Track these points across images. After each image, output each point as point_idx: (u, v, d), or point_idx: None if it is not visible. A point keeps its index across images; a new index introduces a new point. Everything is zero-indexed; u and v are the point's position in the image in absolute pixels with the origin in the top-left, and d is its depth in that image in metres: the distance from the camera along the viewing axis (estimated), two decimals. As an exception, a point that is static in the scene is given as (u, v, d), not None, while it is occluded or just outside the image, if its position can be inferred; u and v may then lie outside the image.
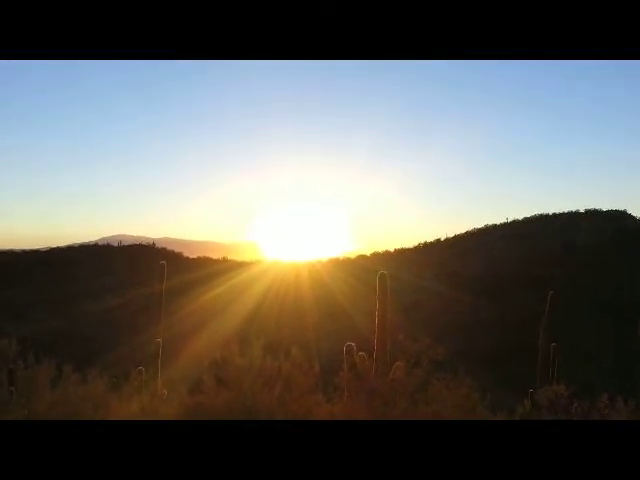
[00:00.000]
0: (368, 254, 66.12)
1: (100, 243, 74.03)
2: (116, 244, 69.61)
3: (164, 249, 67.07)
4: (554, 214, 68.96)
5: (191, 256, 65.35)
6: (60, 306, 49.30)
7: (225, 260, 64.09)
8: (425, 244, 67.83)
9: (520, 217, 69.71)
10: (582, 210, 68.63)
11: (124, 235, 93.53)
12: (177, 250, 67.38)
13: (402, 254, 65.01)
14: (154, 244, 70.17)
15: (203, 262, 61.57)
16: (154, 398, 8.19)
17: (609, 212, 67.74)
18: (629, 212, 67.67)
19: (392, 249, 67.76)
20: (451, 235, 69.21)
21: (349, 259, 63.68)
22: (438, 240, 68.38)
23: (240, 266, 58.69)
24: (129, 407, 7.72)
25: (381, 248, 68.74)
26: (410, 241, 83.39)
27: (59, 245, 71.39)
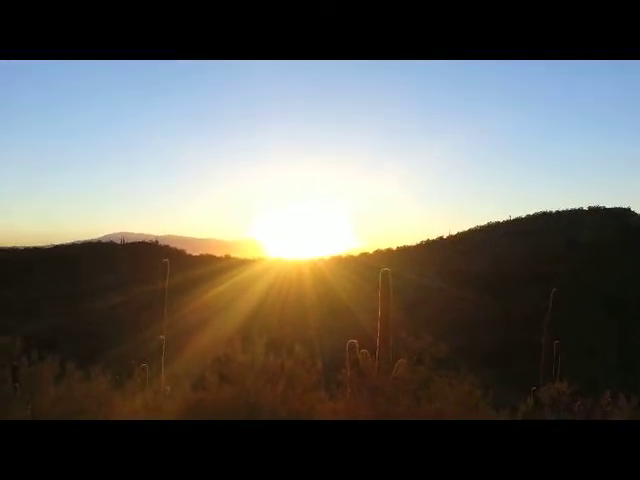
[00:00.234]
0: (371, 252, 66.25)
1: (103, 240, 74.29)
2: (119, 241, 69.82)
3: (167, 246, 67.27)
4: (557, 211, 68.95)
5: (194, 253, 65.52)
6: (63, 303, 49.50)
7: (228, 258, 64.22)
8: (428, 242, 67.87)
9: (523, 215, 69.70)
10: (586, 207, 68.61)
11: (127, 232, 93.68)
12: (180, 247, 67.57)
13: (405, 252, 65.03)
14: (157, 241, 70.35)
15: (206, 260, 61.72)
16: (157, 395, 8.22)
17: (612, 209, 67.61)
18: (632, 209, 67.63)
19: (395, 247, 67.85)
20: (454, 233, 69.26)
21: (352, 257, 63.74)
22: (441, 238, 68.41)
23: (243, 264, 58.83)
24: (132, 404, 7.75)
25: (384, 246, 68.87)
26: (413, 239, 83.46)
27: (62, 242, 71.65)
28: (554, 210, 69.31)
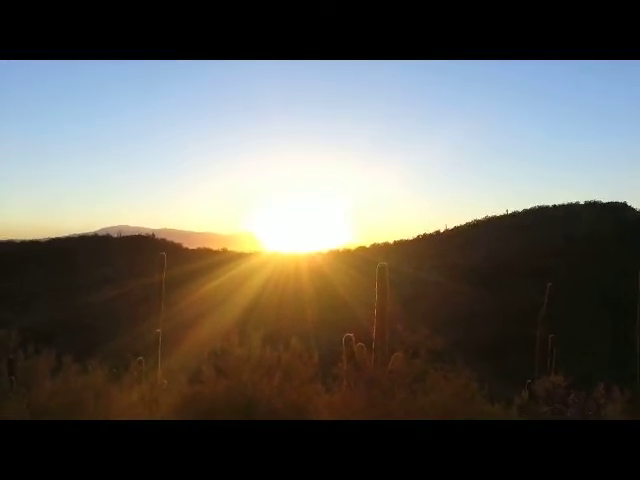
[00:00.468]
0: (367, 246, 66.26)
1: (99, 234, 74.05)
2: (115, 235, 69.65)
3: (164, 240, 67.21)
4: (554, 206, 69.08)
5: (190, 247, 65.46)
6: (59, 296, 49.43)
7: (225, 251, 64.18)
8: (425, 236, 67.93)
9: (520, 209, 69.79)
10: (582, 202, 68.76)
11: (124, 226, 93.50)
12: (177, 241, 67.53)
13: (402, 246, 65.10)
14: (154, 235, 70.30)
15: (203, 253, 61.68)
16: (154, 388, 8.23)
17: (609, 204, 67.76)
18: (629, 204, 67.80)
19: (392, 241, 67.89)
20: (451, 227, 69.33)
21: (349, 251, 63.77)
22: (438, 232, 68.52)
23: (239, 257, 58.80)
24: (129, 397, 7.76)
25: (381, 240, 68.88)
26: (410, 233, 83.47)
27: (59, 236, 71.46)
28: (551, 204, 69.50)
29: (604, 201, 68.32)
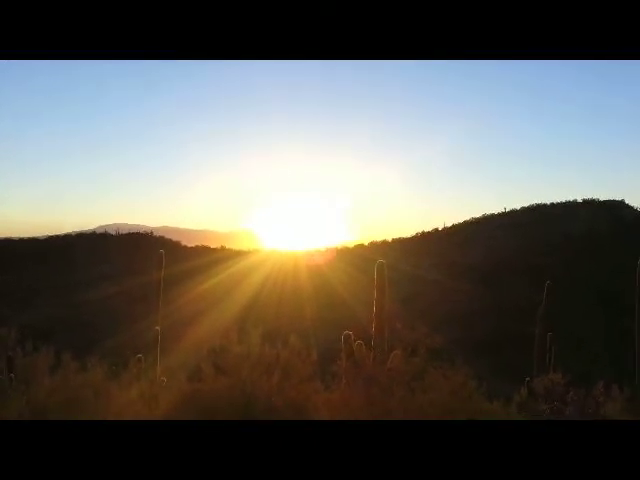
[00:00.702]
0: (366, 243, 66.25)
1: (98, 231, 73.92)
2: (114, 232, 69.53)
3: (162, 238, 67.11)
4: (552, 203, 69.11)
5: (189, 245, 65.39)
6: (58, 294, 49.38)
7: (223, 249, 64.14)
8: (423, 233, 67.93)
9: (518, 207, 69.80)
10: (579, 199, 68.77)
11: (122, 224, 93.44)
12: (175, 239, 67.42)
13: (400, 243, 65.12)
14: (152, 233, 70.14)
15: (201, 251, 61.62)
16: (153, 385, 8.24)
17: (606, 202, 67.81)
18: (626, 202, 67.86)
19: (390, 239, 67.89)
20: (449, 224, 69.33)
21: (347, 248, 63.77)
22: (436, 229, 68.50)
23: (238, 255, 58.77)
24: (128, 394, 7.76)
25: (379, 238, 68.87)
26: (408, 230, 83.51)
27: (57, 233, 71.33)
28: (548, 202, 69.53)
29: (601, 199, 68.45)
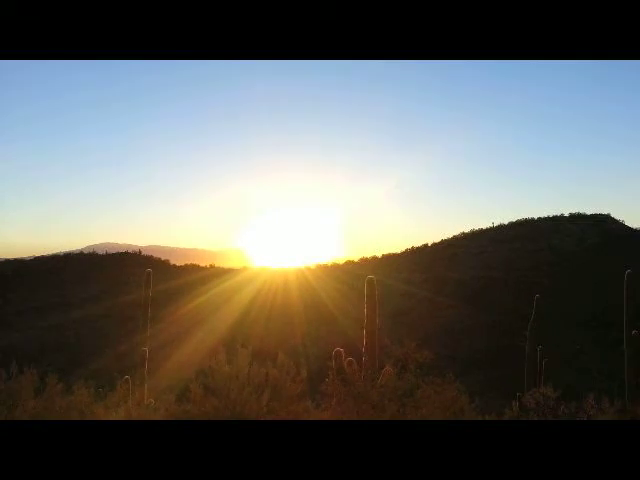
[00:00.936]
0: (356, 260, 66.26)
1: (86, 252, 73.25)
2: (102, 252, 68.92)
3: (150, 257, 66.58)
4: (539, 218, 69.68)
5: (178, 263, 64.92)
6: (45, 315, 48.66)
7: (212, 267, 63.74)
8: (413, 249, 68.09)
9: (506, 221, 70.36)
10: (567, 214, 69.48)
11: (110, 243, 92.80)
12: (164, 258, 66.90)
13: (390, 259, 65.18)
14: (140, 252, 69.58)
15: (190, 269, 61.19)
16: (140, 407, 8.09)
17: (593, 216, 68.60)
18: (612, 216, 68.70)
19: (380, 254, 67.96)
20: (438, 240, 69.61)
21: (337, 265, 63.69)
22: (426, 245, 68.69)
23: (227, 273, 58.43)
24: (115, 417, 7.62)
25: (369, 254, 68.89)
26: (398, 246, 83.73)
27: (44, 254, 70.56)
28: (536, 217, 70.17)
29: (588, 213, 69.21)
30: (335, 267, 62.39)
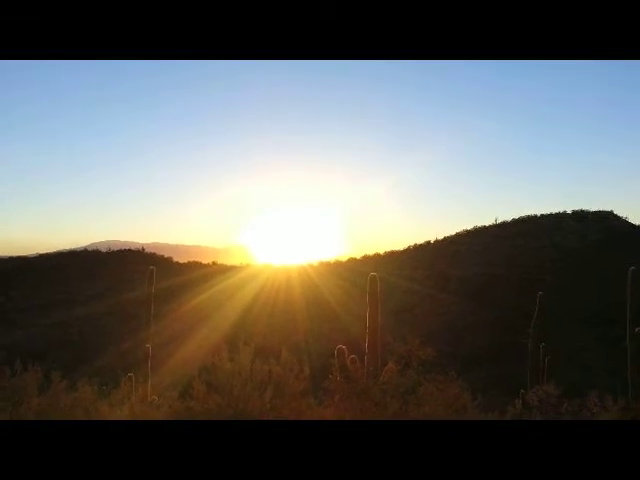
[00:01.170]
0: (359, 257, 66.22)
1: (89, 249, 73.34)
2: (105, 250, 69.02)
3: (153, 254, 66.66)
4: (542, 215, 69.51)
5: (181, 261, 64.98)
6: (48, 312, 48.82)
7: (215, 264, 63.80)
8: (415, 246, 68.02)
9: (509, 218, 70.22)
10: (570, 211, 69.32)
11: (113, 241, 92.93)
12: (167, 255, 66.97)
13: (392, 256, 65.15)
14: (143, 249, 69.66)
15: (193, 266, 61.26)
16: (144, 404, 8.13)
17: (596, 213, 68.40)
18: (615, 212, 68.49)
19: (382, 252, 67.91)
20: (441, 237, 69.52)
21: (340, 262, 63.67)
22: (428, 242, 68.61)
23: (230, 270, 58.48)
24: (119, 413, 7.65)
25: (372, 251, 68.83)
26: (401, 244, 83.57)
27: (47, 251, 70.73)
28: (539, 214, 69.98)
29: (591, 210, 69.02)
30: (337, 264, 62.38)
